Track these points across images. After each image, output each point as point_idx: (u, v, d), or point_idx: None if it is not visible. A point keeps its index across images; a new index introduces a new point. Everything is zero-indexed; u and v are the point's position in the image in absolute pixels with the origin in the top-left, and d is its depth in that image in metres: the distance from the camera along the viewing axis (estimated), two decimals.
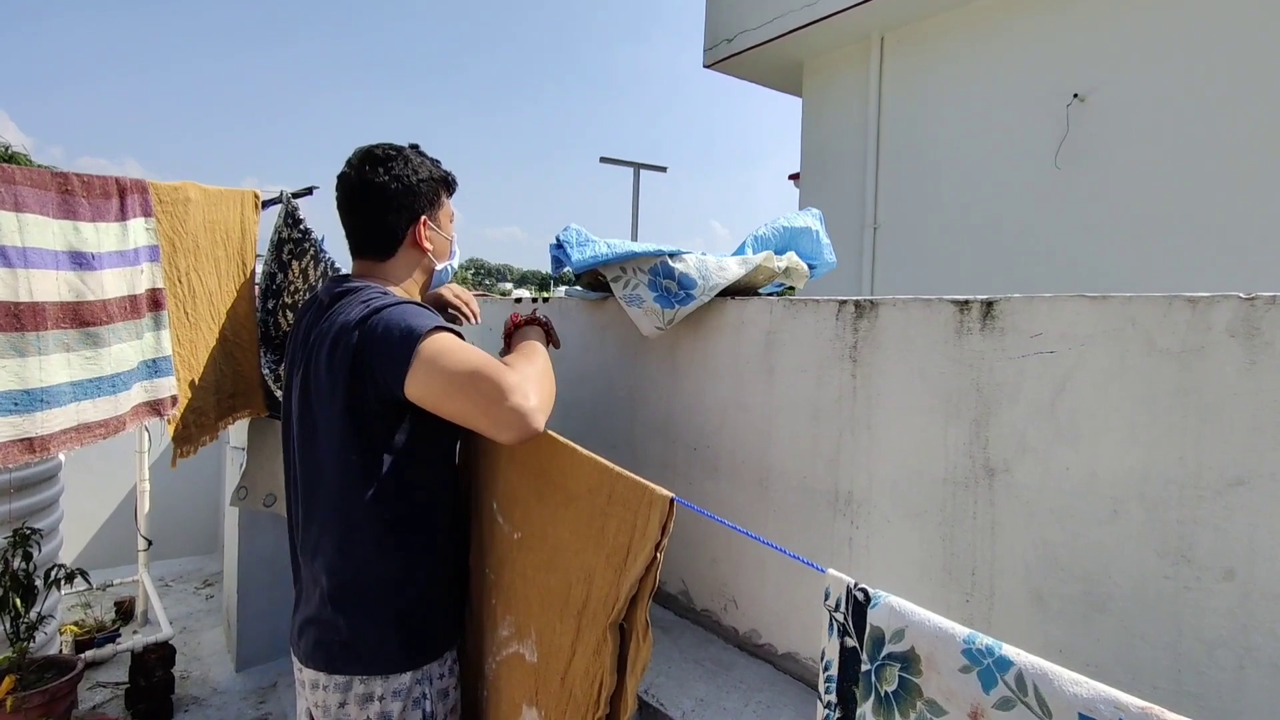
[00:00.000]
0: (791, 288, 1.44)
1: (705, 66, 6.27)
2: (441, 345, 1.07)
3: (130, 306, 1.98)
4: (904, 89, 5.30)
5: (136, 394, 2.03)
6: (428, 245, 1.29)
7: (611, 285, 1.32)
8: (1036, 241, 4.42)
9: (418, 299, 1.32)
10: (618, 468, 0.98)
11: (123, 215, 1.95)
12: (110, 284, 1.92)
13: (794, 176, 6.75)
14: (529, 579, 1.14)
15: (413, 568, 1.16)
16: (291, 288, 2.42)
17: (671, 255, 1.26)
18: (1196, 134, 3.76)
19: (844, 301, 1.04)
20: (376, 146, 1.28)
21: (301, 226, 2.45)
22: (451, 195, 1.36)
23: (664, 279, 1.26)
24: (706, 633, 1.30)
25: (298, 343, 1.27)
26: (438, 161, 1.34)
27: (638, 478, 0.95)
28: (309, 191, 2.69)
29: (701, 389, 1.29)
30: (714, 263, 1.24)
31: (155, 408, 2.10)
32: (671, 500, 0.89)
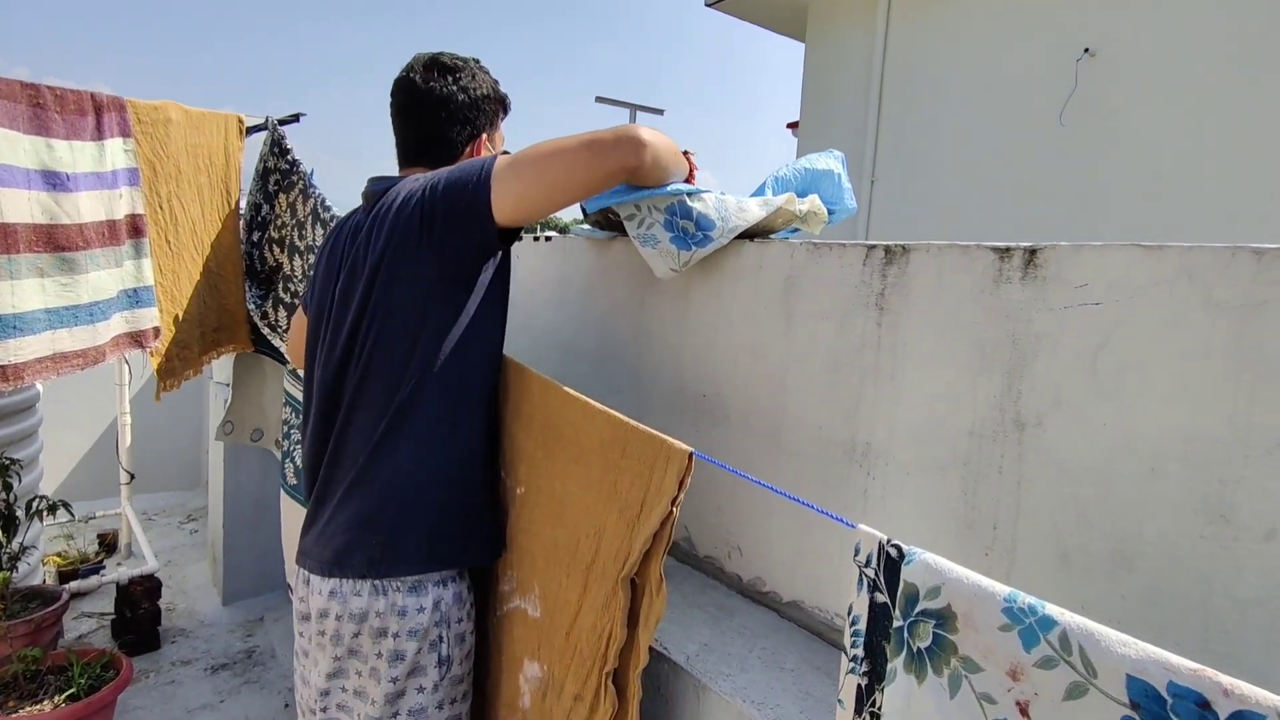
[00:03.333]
0: (799, 231, 1.39)
1: (707, 5, 6.04)
2: (512, 155, 1.07)
3: (109, 232, 1.88)
4: (910, 39, 5.15)
5: (117, 324, 1.95)
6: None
7: (625, 224, 1.26)
8: (1037, 199, 4.37)
9: None
10: (632, 421, 0.94)
11: (99, 134, 1.84)
12: (87, 207, 1.82)
13: (792, 125, 6.59)
14: (533, 534, 1.11)
15: (469, 464, 1.14)
16: (279, 221, 2.32)
17: (690, 194, 1.20)
18: (1207, 92, 3.69)
19: (873, 246, 0.99)
20: (442, 54, 1.23)
21: (289, 157, 2.34)
22: (506, 117, 1.32)
23: (681, 219, 1.20)
24: (708, 579, 1.29)
25: (342, 245, 1.20)
26: (497, 81, 1.29)
27: (653, 431, 0.91)
28: (295, 119, 2.56)
29: (714, 334, 1.25)
30: (734, 204, 1.19)
31: (137, 339, 2.02)
32: (690, 455, 0.86)
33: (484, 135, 1.27)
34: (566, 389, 1.06)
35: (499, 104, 1.30)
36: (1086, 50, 4.16)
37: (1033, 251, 0.83)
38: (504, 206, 1.04)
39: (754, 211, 1.19)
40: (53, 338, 1.76)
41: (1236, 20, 3.59)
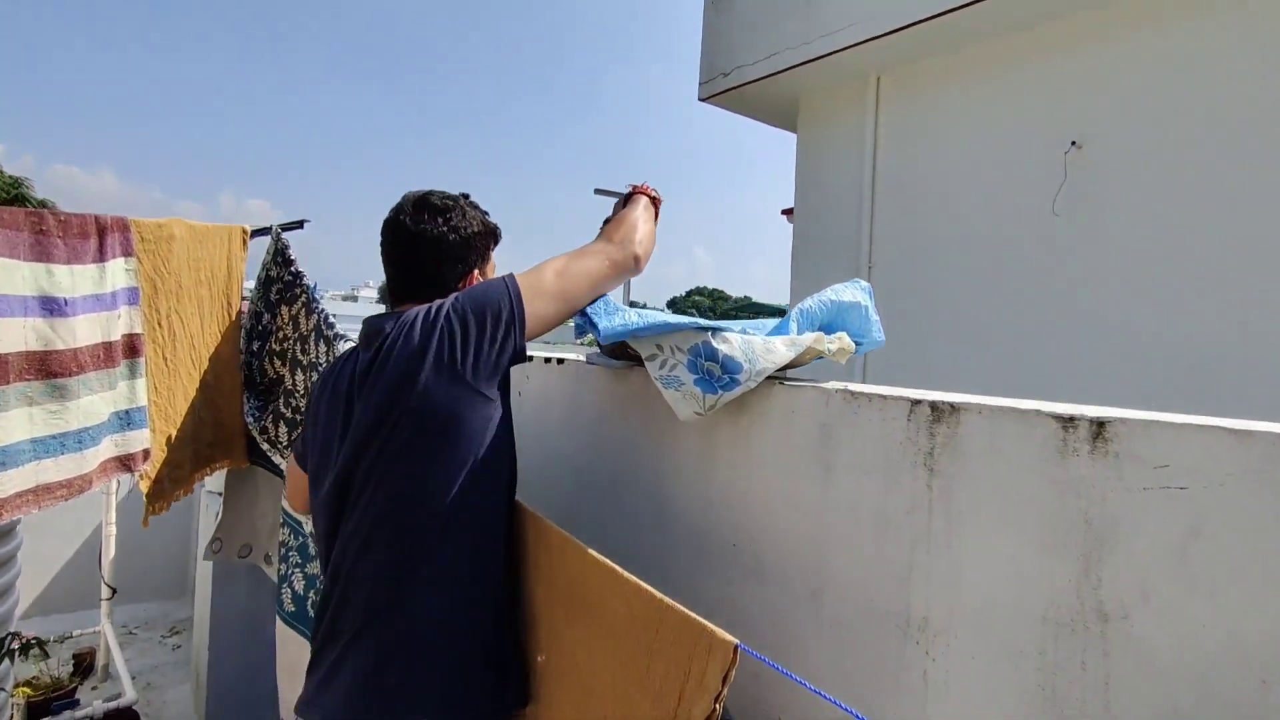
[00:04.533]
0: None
1: (701, 100, 6.26)
2: (527, 274, 1.18)
3: (104, 354, 1.83)
4: (900, 130, 5.31)
5: (106, 448, 1.87)
6: None
7: (646, 364, 1.21)
8: (1035, 286, 4.40)
9: None
10: (665, 598, 0.86)
11: (101, 256, 1.81)
12: (83, 331, 1.77)
13: (787, 211, 6.72)
14: (555, 707, 1.01)
15: (492, 608, 1.11)
16: (280, 334, 2.27)
17: (713, 332, 1.16)
18: (1196, 181, 3.77)
19: (917, 401, 0.94)
20: (432, 194, 1.23)
21: (293, 268, 2.31)
22: (497, 246, 1.34)
23: (706, 360, 1.15)
24: None
25: (344, 386, 1.17)
26: (487, 212, 1.32)
27: (690, 614, 0.83)
28: (299, 224, 2.56)
29: (743, 479, 1.17)
30: (760, 344, 1.14)
31: (126, 463, 1.94)
32: (735, 648, 0.78)
33: (475, 271, 1.28)
34: (590, 551, 0.98)
35: (490, 237, 1.31)
36: (1074, 143, 4.27)
37: (1100, 423, 0.77)
38: (534, 313, 1.14)
39: (781, 353, 1.14)
40: (37, 469, 1.68)
41: (1218, 110, 3.70)
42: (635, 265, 1.28)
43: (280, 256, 2.36)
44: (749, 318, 1.44)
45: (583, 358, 1.57)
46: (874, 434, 0.99)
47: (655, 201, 1.41)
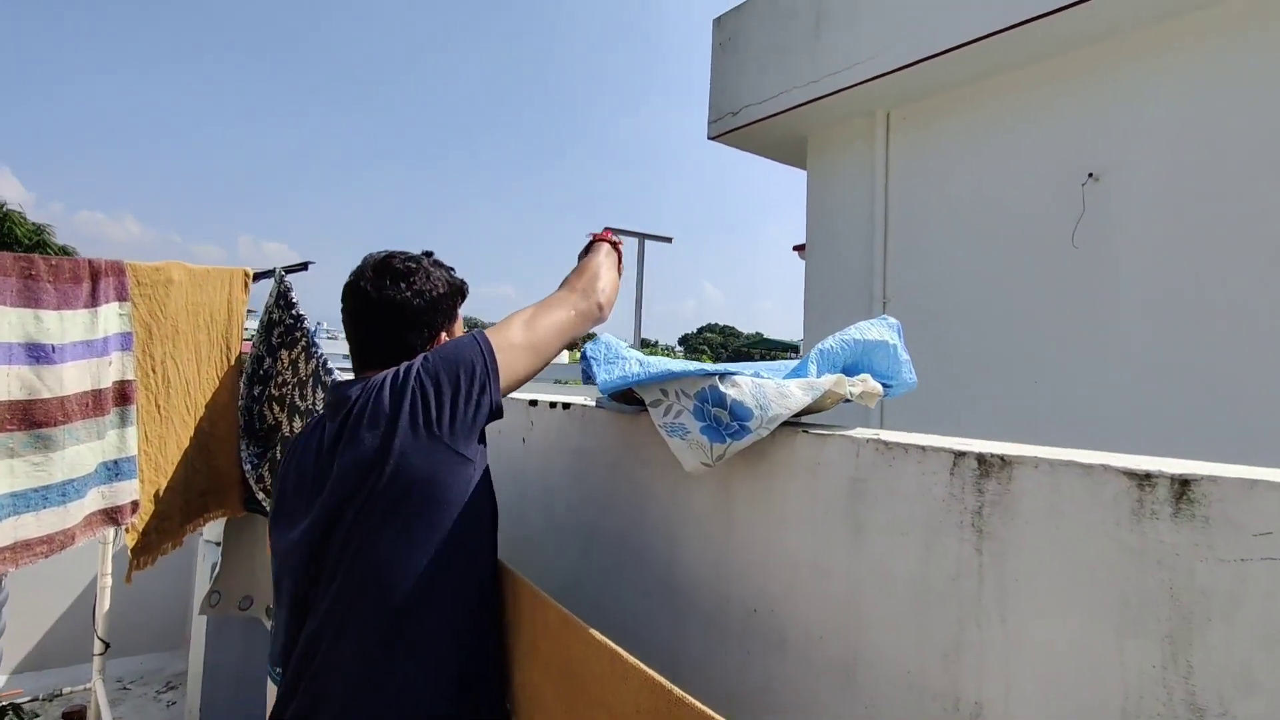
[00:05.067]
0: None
1: (710, 139, 6.27)
2: (495, 329, 1.15)
3: (93, 403, 1.75)
4: (911, 165, 5.27)
5: (91, 501, 1.78)
6: None
7: (650, 410, 1.11)
8: (1056, 319, 4.29)
9: None
10: (676, 690, 0.75)
11: (94, 301, 1.75)
12: (71, 379, 1.70)
13: (799, 248, 6.66)
14: None
15: (480, 684, 1.03)
16: (280, 379, 2.20)
17: (721, 377, 1.06)
18: (1218, 210, 3.67)
19: (961, 453, 0.83)
20: (394, 257, 1.17)
21: (294, 311, 2.25)
22: (464, 302, 1.26)
23: (713, 406, 1.05)
24: None
25: (312, 457, 1.10)
26: (452, 269, 1.28)
27: (705, 709, 0.72)
28: (304, 266, 2.51)
29: (764, 538, 1.06)
30: (773, 389, 1.04)
31: (113, 515, 1.85)
32: None
33: (443, 333, 1.23)
34: (592, 633, 0.88)
35: (456, 295, 1.26)
36: (1091, 175, 4.20)
37: (1184, 481, 0.66)
38: (506, 369, 1.11)
39: (797, 397, 1.04)
40: (15, 525, 1.59)
41: (1239, 137, 3.63)
42: (600, 313, 1.27)
43: (282, 299, 2.30)
44: (761, 354, 1.36)
45: (592, 401, 1.47)
46: (912, 490, 0.88)
47: (616, 247, 1.41)
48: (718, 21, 6.43)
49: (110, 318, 1.82)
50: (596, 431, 1.45)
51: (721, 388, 1.05)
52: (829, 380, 1.07)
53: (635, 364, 1.18)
